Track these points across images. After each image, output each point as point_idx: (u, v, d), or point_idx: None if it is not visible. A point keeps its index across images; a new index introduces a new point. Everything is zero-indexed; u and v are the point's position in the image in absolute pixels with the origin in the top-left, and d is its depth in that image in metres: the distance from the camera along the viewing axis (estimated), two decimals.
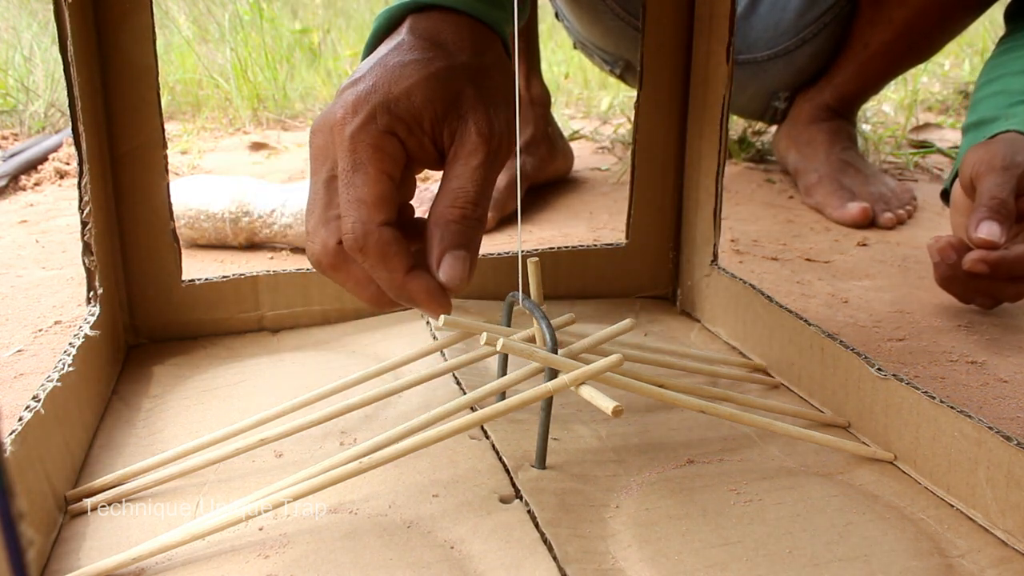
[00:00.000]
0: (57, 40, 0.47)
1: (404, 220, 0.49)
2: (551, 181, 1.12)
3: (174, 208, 0.56)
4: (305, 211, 0.44)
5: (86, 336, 0.47)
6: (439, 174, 0.44)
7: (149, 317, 0.57)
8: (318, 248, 0.42)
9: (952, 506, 0.40)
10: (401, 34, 0.45)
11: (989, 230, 0.61)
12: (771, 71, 1.11)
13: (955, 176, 0.73)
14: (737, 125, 1.37)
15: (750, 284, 0.58)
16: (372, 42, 0.48)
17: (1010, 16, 0.86)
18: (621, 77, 1.22)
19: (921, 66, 1.79)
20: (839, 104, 1.10)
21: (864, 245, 0.90)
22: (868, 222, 0.96)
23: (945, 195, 0.78)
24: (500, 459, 0.43)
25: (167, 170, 0.55)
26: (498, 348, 0.39)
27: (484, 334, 0.40)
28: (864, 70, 1.07)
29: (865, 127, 1.43)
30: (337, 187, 0.41)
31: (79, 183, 0.49)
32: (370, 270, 0.42)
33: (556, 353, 0.40)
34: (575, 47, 1.26)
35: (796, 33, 1.07)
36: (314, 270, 0.58)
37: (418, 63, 0.43)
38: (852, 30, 1.06)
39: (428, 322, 0.59)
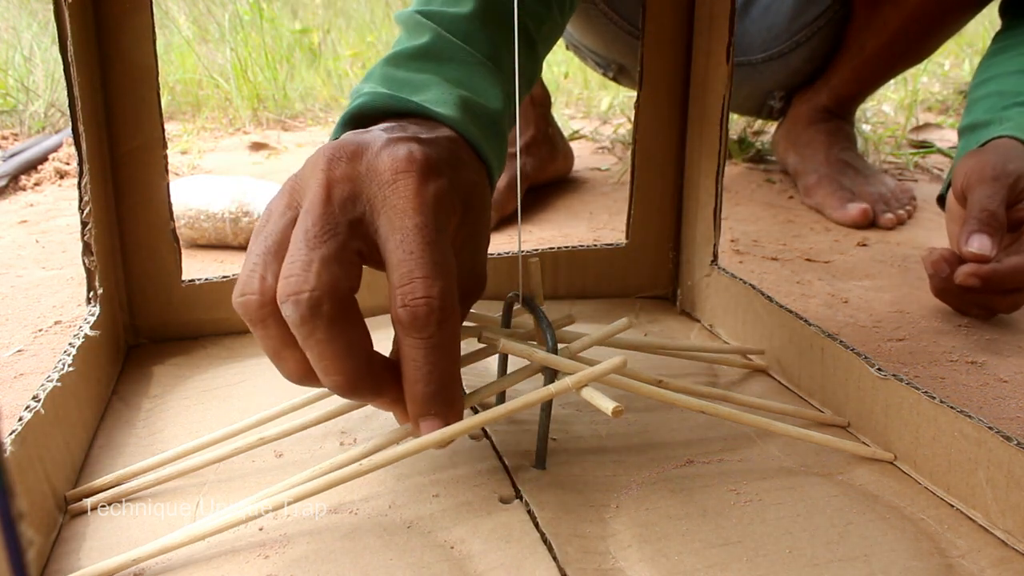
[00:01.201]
0: (57, 40, 0.47)
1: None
2: (551, 181, 1.12)
3: (174, 208, 0.56)
4: (278, 237, 0.35)
5: (86, 336, 0.47)
6: None
7: (149, 317, 0.57)
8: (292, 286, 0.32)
9: (952, 506, 0.40)
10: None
11: (980, 244, 0.62)
12: (766, 73, 1.11)
13: (950, 183, 0.73)
14: (737, 125, 1.37)
15: (750, 284, 0.58)
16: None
17: (1004, 11, 0.86)
18: (615, 79, 1.22)
19: (921, 66, 1.79)
20: (836, 106, 1.10)
21: (864, 245, 0.90)
22: (868, 223, 0.96)
23: (941, 200, 0.79)
24: (500, 459, 0.43)
25: (167, 170, 0.55)
26: (499, 349, 0.39)
27: (482, 335, 0.40)
28: (860, 73, 1.07)
29: (865, 127, 1.43)
30: (364, 231, 0.34)
31: (79, 183, 0.49)
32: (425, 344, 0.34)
33: (556, 353, 0.40)
34: (568, 48, 1.26)
35: (790, 36, 1.07)
36: None
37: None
38: (847, 33, 1.06)
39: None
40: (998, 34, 0.84)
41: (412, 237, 0.33)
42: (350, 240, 0.34)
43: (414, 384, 0.34)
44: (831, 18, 1.05)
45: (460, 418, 0.35)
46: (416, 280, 0.33)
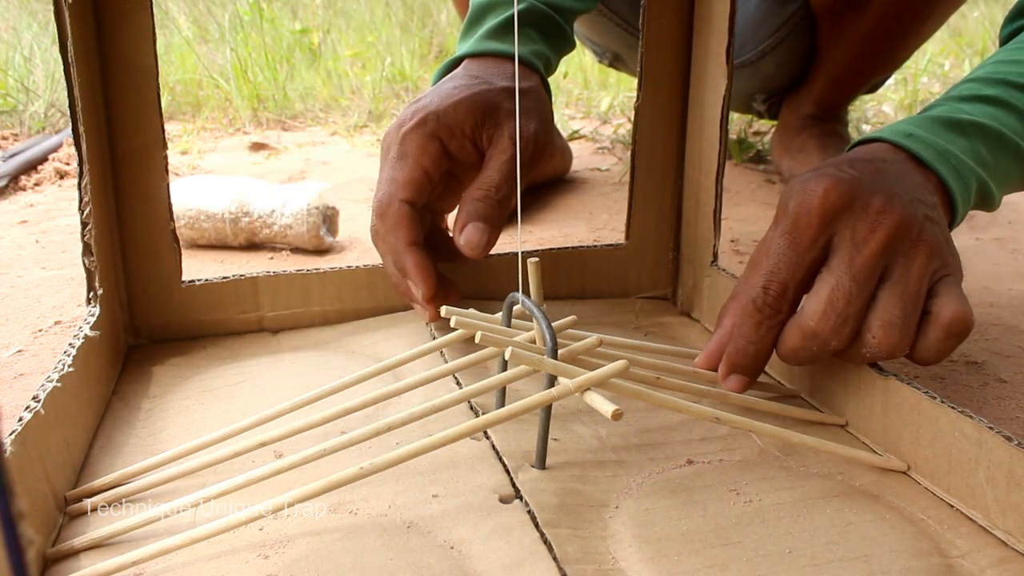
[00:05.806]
0: (57, 40, 0.47)
1: (438, 237, 0.58)
2: (549, 179, 1.12)
3: (174, 208, 0.56)
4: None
5: (86, 336, 0.47)
6: None
7: (149, 317, 0.57)
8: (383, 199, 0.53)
9: (952, 506, 0.40)
10: (457, 73, 0.59)
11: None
12: (740, 79, 1.11)
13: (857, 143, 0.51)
14: (737, 125, 1.37)
15: None
16: (435, 80, 0.61)
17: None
18: (611, 65, 1.22)
19: (921, 66, 1.79)
20: (822, 112, 1.10)
21: None
22: None
23: None
24: (500, 459, 0.43)
25: (167, 170, 0.55)
26: (507, 356, 0.39)
27: (478, 333, 0.40)
28: (838, 83, 1.08)
29: (865, 127, 1.43)
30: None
31: (79, 183, 0.49)
32: (383, 235, 0.52)
33: (556, 353, 0.40)
34: None
35: (755, 46, 1.07)
36: (314, 270, 0.60)
37: (466, 87, 0.55)
38: (819, 45, 1.06)
39: (428, 323, 0.59)
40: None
41: (387, 163, 0.55)
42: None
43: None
44: (794, 28, 1.05)
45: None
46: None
